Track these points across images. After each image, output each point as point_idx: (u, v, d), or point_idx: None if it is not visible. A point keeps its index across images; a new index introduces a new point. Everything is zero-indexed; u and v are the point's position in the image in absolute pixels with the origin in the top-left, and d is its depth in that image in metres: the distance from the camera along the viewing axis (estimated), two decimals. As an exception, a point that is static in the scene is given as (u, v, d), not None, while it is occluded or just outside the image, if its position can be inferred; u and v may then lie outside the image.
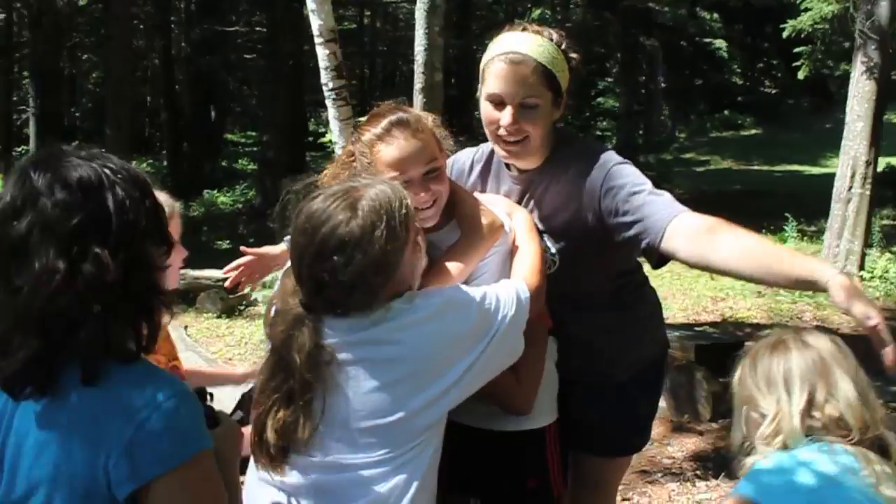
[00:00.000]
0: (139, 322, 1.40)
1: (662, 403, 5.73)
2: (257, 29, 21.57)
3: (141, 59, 24.18)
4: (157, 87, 25.79)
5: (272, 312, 1.91)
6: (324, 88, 5.54)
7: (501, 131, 2.27)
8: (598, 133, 28.59)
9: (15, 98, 25.98)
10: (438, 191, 2.14)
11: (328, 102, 5.53)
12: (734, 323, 7.85)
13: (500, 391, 2.08)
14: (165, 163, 25.07)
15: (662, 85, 27.16)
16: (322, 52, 5.45)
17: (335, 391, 1.78)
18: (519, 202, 2.42)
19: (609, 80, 26.09)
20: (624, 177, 2.23)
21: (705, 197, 15.37)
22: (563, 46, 2.30)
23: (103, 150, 1.52)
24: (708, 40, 23.82)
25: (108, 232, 1.35)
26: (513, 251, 2.23)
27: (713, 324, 7.71)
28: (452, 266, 2.11)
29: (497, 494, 2.31)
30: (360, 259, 1.73)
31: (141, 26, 23.57)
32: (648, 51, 22.89)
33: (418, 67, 6.15)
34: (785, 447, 1.79)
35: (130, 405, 1.33)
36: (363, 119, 2.27)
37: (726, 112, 29.52)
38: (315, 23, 5.48)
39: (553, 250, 2.38)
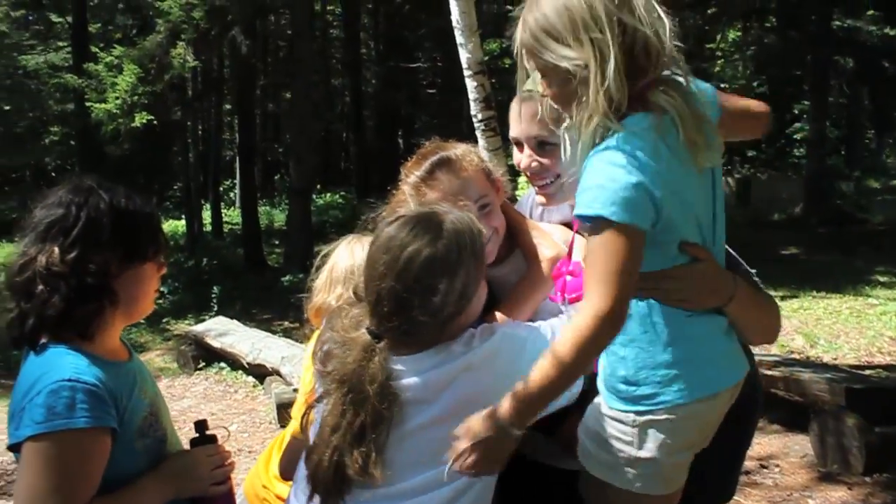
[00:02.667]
0: (75, 306, 1.75)
1: (809, 451, 5.30)
2: (439, 64, 22.24)
3: (334, 98, 25.58)
4: (349, 122, 27.16)
5: (325, 349, 1.88)
6: (473, 119, 5.66)
7: (528, 173, 2.22)
8: (794, 161, 27.04)
9: (227, 136, 28.43)
10: (492, 226, 2.09)
11: (478, 133, 5.63)
12: (912, 367, 7.12)
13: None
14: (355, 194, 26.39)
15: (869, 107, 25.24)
16: (471, 85, 5.57)
17: (400, 424, 1.77)
18: None
19: (805, 102, 24.58)
20: None
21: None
22: None
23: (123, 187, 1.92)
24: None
25: (68, 236, 1.77)
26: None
27: (888, 367, 7.03)
28: (516, 309, 2.10)
29: None
30: (445, 285, 1.72)
31: (339, 66, 25.09)
32: (846, 72, 21.37)
33: None
34: None
35: (38, 377, 1.70)
36: (409, 161, 2.26)
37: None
38: (464, 56, 5.61)
39: None
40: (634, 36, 1.60)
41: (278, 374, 7.39)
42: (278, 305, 12.53)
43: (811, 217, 18.13)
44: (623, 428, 1.83)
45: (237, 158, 24.81)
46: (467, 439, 1.66)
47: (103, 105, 11.44)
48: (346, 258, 2.41)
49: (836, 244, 14.70)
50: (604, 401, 1.88)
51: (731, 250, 2.05)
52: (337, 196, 29.55)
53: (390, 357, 1.76)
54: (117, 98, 11.37)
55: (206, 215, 23.01)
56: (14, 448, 1.70)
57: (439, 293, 1.72)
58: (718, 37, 29.60)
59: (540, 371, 1.63)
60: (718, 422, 1.89)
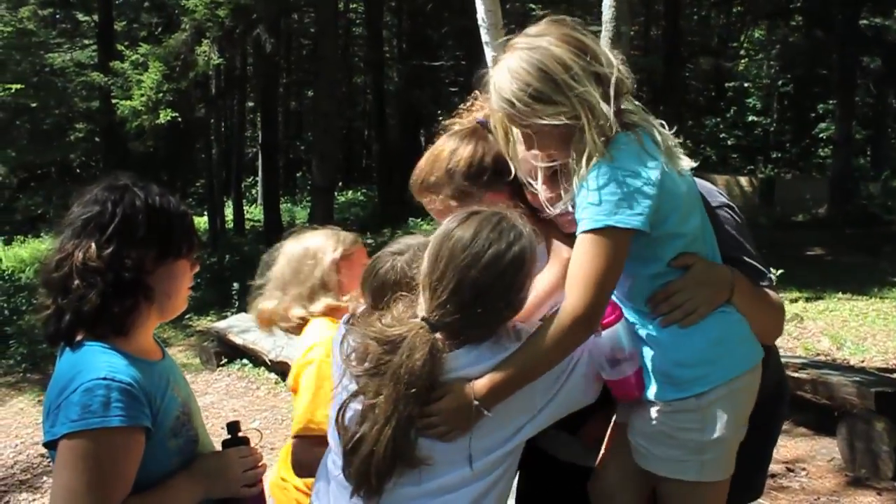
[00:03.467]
0: (112, 302, 1.76)
1: (837, 455, 5.23)
2: (462, 63, 22.22)
3: (357, 95, 25.63)
4: (371, 120, 27.21)
5: (355, 345, 1.86)
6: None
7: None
8: (819, 161, 26.75)
9: (249, 133, 28.55)
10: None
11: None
12: (941, 370, 7.01)
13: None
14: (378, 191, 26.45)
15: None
16: (490, 54, 5.54)
17: None
18: None
19: (831, 102, 24.33)
20: None
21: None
22: None
23: (155, 185, 1.94)
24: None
25: (104, 232, 1.79)
26: None
27: (915, 370, 6.93)
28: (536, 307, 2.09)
29: None
30: (522, 282, 1.81)
31: (361, 64, 25.13)
32: (873, 71, 21.10)
33: None
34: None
35: (74, 375, 1.71)
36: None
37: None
38: (489, 54, 5.58)
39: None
40: (608, 80, 1.80)
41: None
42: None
43: (836, 218, 17.95)
44: (686, 416, 1.90)
45: (259, 155, 24.97)
46: (442, 414, 1.78)
47: (129, 102, 11.53)
48: (284, 264, 2.53)
49: (861, 245, 14.54)
50: (657, 397, 1.92)
51: (749, 258, 2.09)
52: (359, 193, 29.64)
53: (447, 349, 1.79)
54: (142, 95, 11.46)
55: (228, 212, 23.13)
56: (49, 445, 1.71)
57: (516, 290, 1.81)
58: (743, 36, 29.36)
59: (517, 360, 1.78)
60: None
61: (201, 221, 25.17)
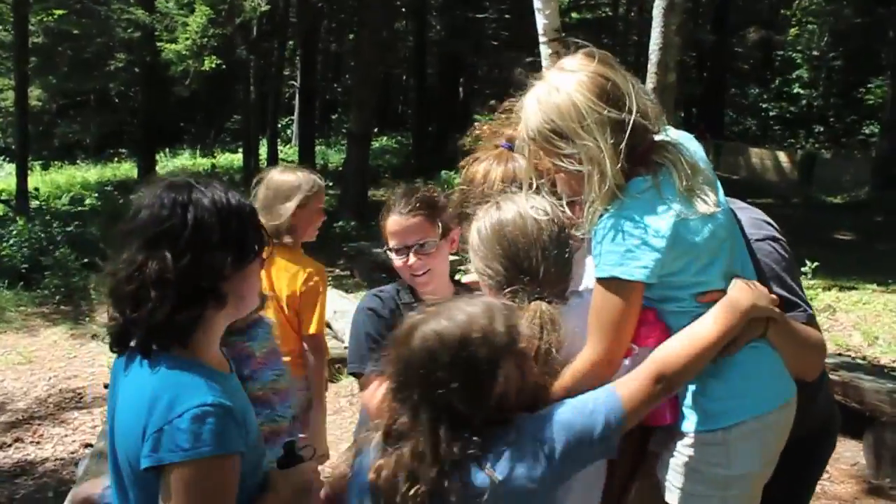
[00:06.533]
0: (185, 312, 1.71)
1: (861, 460, 5.22)
2: (506, 17, 21.86)
3: (397, 42, 25.34)
4: (411, 68, 26.95)
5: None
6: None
7: None
8: (862, 138, 26.20)
9: (287, 72, 28.36)
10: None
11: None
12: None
13: None
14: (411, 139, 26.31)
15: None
16: (545, 51, 5.45)
17: None
18: None
19: (882, 78, 23.72)
20: None
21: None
22: None
23: (219, 183, 1.86)
24: None
25: (178, 241, 1.71)
26: None
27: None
28: None
29: None
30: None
31: (403, 9, 24.80)
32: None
33: (651, 67, 5.97)
34: None
35: (174, 396, 1.65)
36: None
37: None
38: (540, 21, 5.49)
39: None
40: (625, 127, 1.83)
41: (329, 327, 7.44)
42: (331, 252, 12.57)
43: (876, 202, 17.61)
44: (713, 450, 1.91)
45: (297, 97, 24.86)
46: None
47: (173, 46, 11.45)
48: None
49: (899, 234, 14.28)
50: (685, 429, 1.94)
51: (784, 291, 2.08)
52: (392, 141, 29.50)
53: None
54: (187, 39, 11.37)
55: (261, 151, 23.16)
56: (151, 469, 1.66)
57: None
58: (795, 4, 28.56)
59: None
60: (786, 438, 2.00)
61: (235, 159, 25.30)
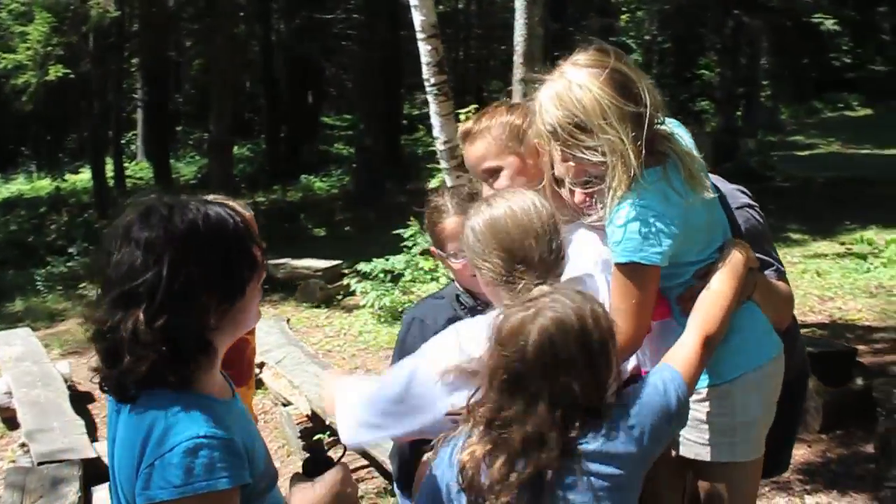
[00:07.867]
0: (168, 369, 1.60)
1: (768, 411, 5.58)
2: (354, 16, 21.76)
3: (242, 46, 24.70)
4: (257, 73, 26.36)
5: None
6: (425, 84, 5.57)
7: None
8: (697, 112, 27.85)
9: (124, 86, 26.98)
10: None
11: (430, 98, 5.55)
12: (844, 325, 7.55)
13: None
14: (264, 146, 25.71)
15: (765, 66, 26.23)
16: (424, 48, 5.47)
17: None
18: None
19: (713, 57, 25.33)
20: None
21: (810, 185, 14.80)
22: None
23: (206, 195, 1.83)
24: (816, 19, 22.76)
25: (154, 297, 1.58)
26: None
27: (820, 325, 7.44)
28: None
29: None
30: None
31: (241, 13, 24.15)
32: (750, 31, 22.07)
33: (518, 58, 6.12)
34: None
35: (165, 429, 1.56)
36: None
37: (833, 93, 28.39)
38: (417, 18, 5.50)
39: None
40: (643, 119, 1.97)
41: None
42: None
43: (718, 173, 18.73)
44: (719, 402, 2.15)
45: (138, 110, 23.75)
46: None
47: (13, 55, 10.64)
48: None
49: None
50: (695, 386, 2.09)
51: (760, 254, 2.30)
52: (244, 149, 28.68)
53: None
54: (28, 49, 10.60)
55: (107, 168, 21.95)
56: None
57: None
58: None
59: None
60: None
61: (78, 180, 23.80)
